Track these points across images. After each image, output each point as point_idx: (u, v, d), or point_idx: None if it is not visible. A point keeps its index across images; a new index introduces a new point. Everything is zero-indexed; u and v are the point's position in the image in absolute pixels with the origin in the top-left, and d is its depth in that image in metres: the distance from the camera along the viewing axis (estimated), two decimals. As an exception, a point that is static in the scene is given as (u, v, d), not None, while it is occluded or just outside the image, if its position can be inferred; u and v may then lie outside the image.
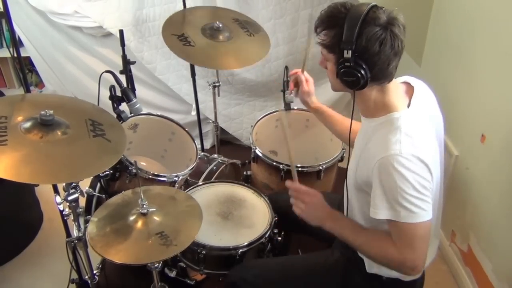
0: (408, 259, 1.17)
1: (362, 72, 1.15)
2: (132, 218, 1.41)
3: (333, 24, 1.17)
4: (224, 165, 2.15)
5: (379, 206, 1.18)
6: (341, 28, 1.14)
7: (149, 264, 1.47)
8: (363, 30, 1.12)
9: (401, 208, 1.14)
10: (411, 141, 1.15)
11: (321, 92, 2.83)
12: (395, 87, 1.25)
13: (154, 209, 1.43)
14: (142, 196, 1.40)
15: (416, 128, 1.19)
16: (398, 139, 1.15)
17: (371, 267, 1.35)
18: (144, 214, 1.40)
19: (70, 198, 1.44)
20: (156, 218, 1.42)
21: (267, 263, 1.57)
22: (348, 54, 1.14)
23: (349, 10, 1.15)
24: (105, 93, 1.82)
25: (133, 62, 2.08)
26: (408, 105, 1.24)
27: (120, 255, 1.32)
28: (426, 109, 1.27)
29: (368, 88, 1.20)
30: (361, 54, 1.14)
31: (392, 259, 1.21)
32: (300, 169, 1.91)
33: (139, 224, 1.40)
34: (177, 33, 1.91)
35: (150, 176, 1.77)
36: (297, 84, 1.73)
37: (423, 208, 1.14)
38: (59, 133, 1.30)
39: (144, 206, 1.40)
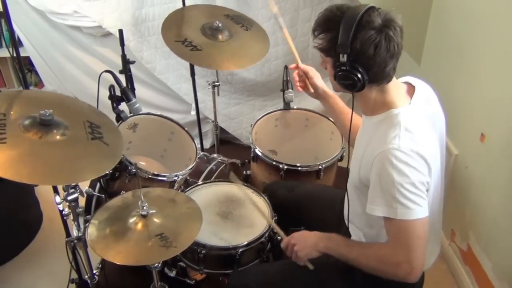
0: (404, 260, 1.15)
1: (359, 75, 1.16)
2: (132, 220, 1.42)
3: (328, 28, 1.19)
4: (224, 164, 2.15)
5: (376, 202, 1.18)
6: (337, 31, 1.15)
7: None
8: (358, 34, 1.13)
9: (398, 204, 1.14)
10: (410, 136, 1.15)
11: (321, 91, 2.84)
12: (396, 87, 1.25)
13: (154, 211, 1.43)
14: (142, 198, 1.40)
15: (416, 123, 1.19)
16: (397, 134, 1.15)
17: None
18: (144, 216, 1.40)
19: (69, 198, 1.45)
20: (156, 220, 1.42)
21: (268, 268, 1.56)
22: (343, 58, 1.16)
23: (344, 14, 1.16)
24: (105, 93, 1.82)
25: (133, 62, 2.07)
26: (410, 104, 1.24)
27: (120, 256, 1.32)
28: (427, 107, 1.28)
29: (367, 89, 1.21)
30: (356, 57, 1.15)
31: (388, 262, 1.19)
32: (300, 168, 1.92)
33: (139, 226, 1.40)
34: (179, 39, 1.89)
35: (150, 176, 1.77)
36: (304, 81, 1.65)
37: (419, 204, 1.14)
38: (57, 135, 1.29)
39: (144, 208, 1.40)
